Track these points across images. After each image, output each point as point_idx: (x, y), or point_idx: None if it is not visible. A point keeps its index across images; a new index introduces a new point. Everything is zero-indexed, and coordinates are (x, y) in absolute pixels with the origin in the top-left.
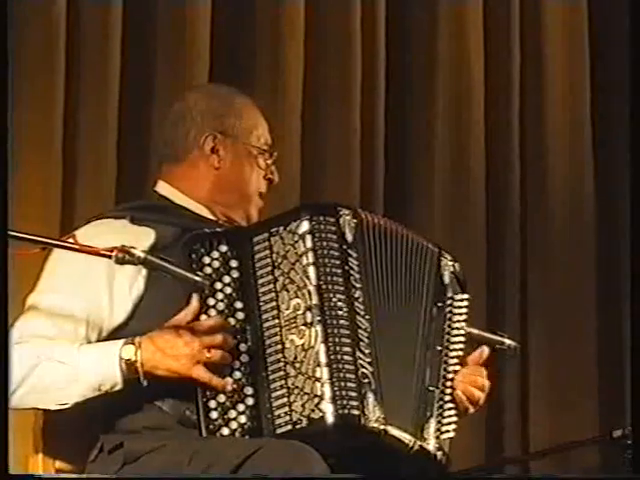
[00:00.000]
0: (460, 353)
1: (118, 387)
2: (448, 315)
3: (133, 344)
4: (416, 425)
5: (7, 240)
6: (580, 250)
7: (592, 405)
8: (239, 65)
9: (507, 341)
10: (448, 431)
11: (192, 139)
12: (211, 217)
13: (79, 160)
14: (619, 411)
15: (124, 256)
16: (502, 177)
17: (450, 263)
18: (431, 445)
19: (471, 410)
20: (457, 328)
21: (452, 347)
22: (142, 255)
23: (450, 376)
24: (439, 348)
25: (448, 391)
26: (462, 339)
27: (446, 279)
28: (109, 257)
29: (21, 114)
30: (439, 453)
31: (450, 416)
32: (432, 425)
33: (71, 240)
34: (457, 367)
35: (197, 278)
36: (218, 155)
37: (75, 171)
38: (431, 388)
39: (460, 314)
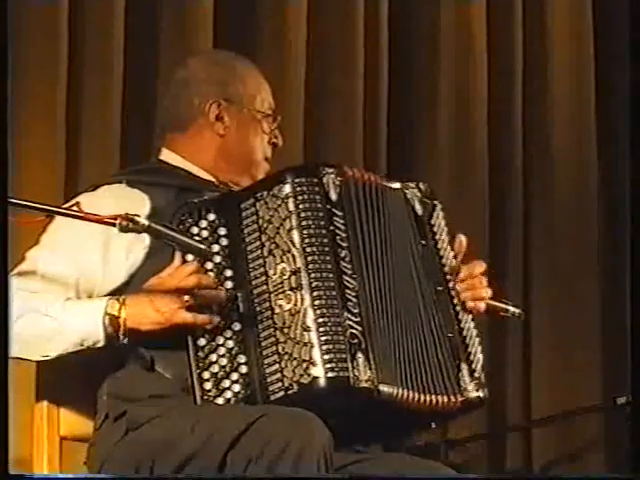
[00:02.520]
0: (455, 264)
1: (100, 344)
2: (434, 249)
3: (118, 300)
4: (432, 376)
5: (7, 208)
6: (583, 215)
7: (596, 372)
8: (242, 27)
9: (512, 308)
10: (479, 360)
11: (196, 107)
12: (212, 179)
13: (83, 129)
14: (623, 378)
15: (128, 224)
16: (505, 144)
17: (413, 190)
18: (471, 392)
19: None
20: (443, 247)
21: (447, 270)
22: (146, 223)
23: (461, 313)
24: (440, 288)
25: (466, 326)
26: (451, 251)
27: (418, 210)
28: (113, 225)
29: (24, 82)
30: (480, 392)
31: (477, 345)
32: (465, 370)
33: (75, 208)
34: (459, 287)
35: (201, 246)
36: (223, 122)
37: (79, 140)
38: (450, 335)
39: (441, 232)
